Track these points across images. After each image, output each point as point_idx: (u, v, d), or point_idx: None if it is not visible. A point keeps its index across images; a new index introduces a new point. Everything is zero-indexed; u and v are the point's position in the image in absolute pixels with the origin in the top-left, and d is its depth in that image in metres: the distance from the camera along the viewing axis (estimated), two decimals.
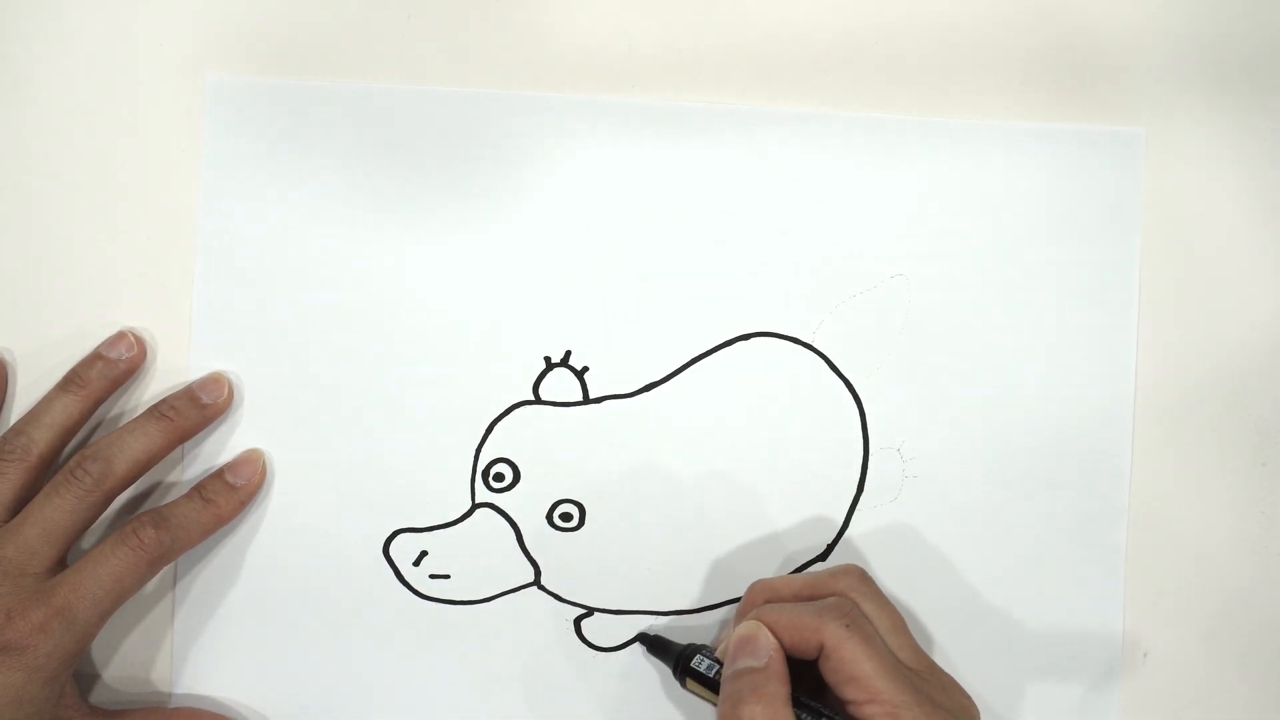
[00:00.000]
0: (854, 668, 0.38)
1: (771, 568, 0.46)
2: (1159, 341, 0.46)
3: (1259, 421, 0.47)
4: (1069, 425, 0.46)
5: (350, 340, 0.46)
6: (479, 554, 0.46)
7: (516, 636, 0.46)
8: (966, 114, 0.46)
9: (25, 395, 0.46)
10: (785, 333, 0.46)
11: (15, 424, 0.44)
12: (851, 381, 0.46)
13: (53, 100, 0.46)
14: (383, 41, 0.46)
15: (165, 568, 0.44)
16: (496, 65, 0.46)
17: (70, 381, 0.44)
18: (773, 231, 0.46)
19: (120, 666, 0.46)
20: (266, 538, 0.46)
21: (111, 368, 0.45)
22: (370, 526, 0.46)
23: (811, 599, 0.41)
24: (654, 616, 0.46)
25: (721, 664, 0.41)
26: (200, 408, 0.45)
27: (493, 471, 0.46)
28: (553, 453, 0.46)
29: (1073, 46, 0.47)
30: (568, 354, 0.46)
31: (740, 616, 0.43)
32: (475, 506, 0.46)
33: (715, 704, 0.41)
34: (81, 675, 0.46)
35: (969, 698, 0.40)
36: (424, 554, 0.46)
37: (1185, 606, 0.47)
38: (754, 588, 0.43)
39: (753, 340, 0.46)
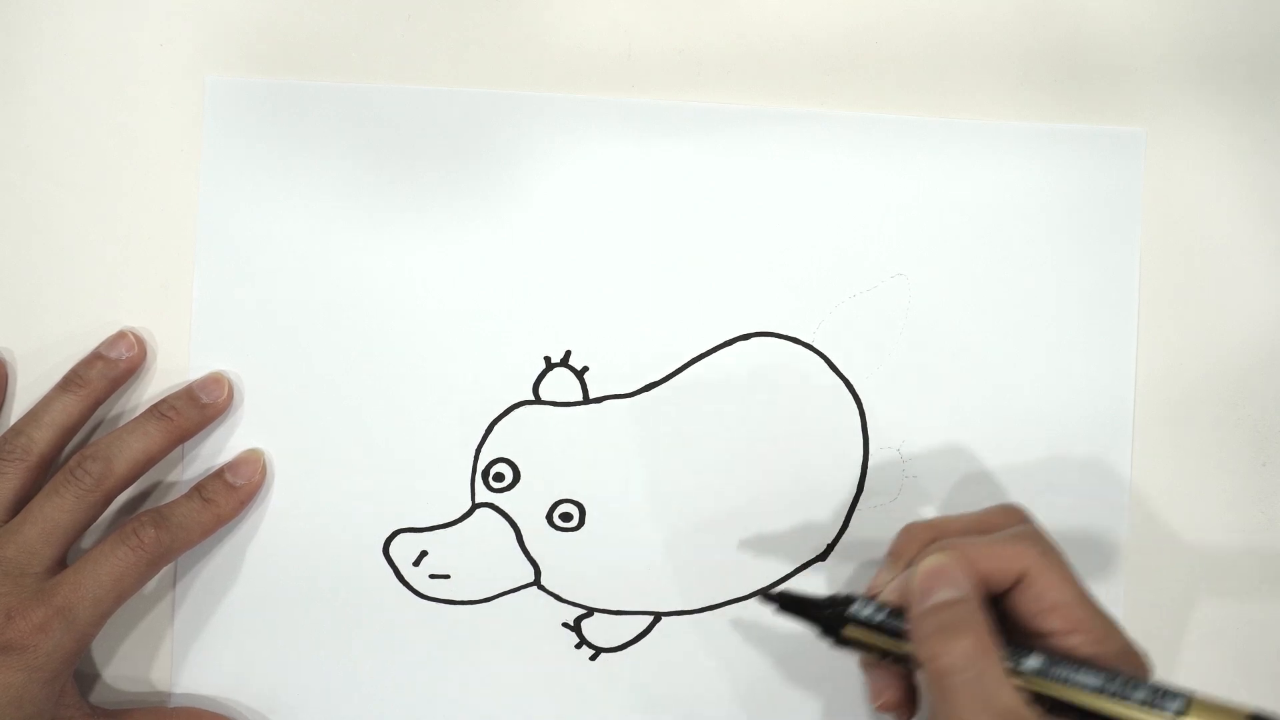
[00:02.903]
0: (1057, 595, 0.37)
1: (772, 568, 0.46)
2: (1159, 342, 0.46)
3: (1259, 421, 0.47)
4: (1069, 426, 0.46)
5: (350, 340, 0.46)
6: (479, 554, 0.46)
7: (516, 636, 0.46)
8: (966, 114, 0.46)
9: (25, 395, 0.46)
10: (785, 333, 0.46)
11: (15, 424, 0.44)
12: (851, 381, 0.46)
13: (53, 101, 0.46)
14: (383, 42, 0.46)
15: (165, 567, 0.44)
16: (496, 65, 0.46)
17: (70, 381, 0.45)
18: (773, 231, 0.46)
19: (120, 666, 0.46)
20: (266, 538, 0.46)
21: (111, 368, 0.45)
22: (370, 526, 0.46)
23: (979, 534, 0.39)
24: (653, 617, 0.46)
25: (889, 608, 0.39)
26: (200, 407, 0.45)
27: (493, 471, 0.46)
28: (553, 453, 0.46)
29: (1072, 46, 0.46)
30: (568, 354, 0.46)
31: (897, 558, 0.40)
32: (475, 506, 0.46)
33: (883, 653, 0.39)
34: (81, 675, 0.46)
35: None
36: (424, 554, 0.46)
37: (1185, 606, 0.47)
38: (911, 528, 0.41)
39: (753, 340, 0.46)
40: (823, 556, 0.46)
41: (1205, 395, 0.47)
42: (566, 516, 0.46)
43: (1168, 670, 0.46)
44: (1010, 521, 0.40)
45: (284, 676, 0.46)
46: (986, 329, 0.46)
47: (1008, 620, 0.38)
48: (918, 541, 0.40)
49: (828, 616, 0.40)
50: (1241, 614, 0.47)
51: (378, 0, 0.46)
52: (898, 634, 0.38)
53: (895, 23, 0.46)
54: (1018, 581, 0.38)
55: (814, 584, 0.46)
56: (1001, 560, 0.38)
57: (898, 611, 0.39)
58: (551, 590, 0.46)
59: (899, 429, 0.46)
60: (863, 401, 0.46)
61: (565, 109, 0.46)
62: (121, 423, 0.45)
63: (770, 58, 0.46)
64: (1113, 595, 0.46)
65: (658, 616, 0.46)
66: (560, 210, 0.46)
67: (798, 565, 0.46)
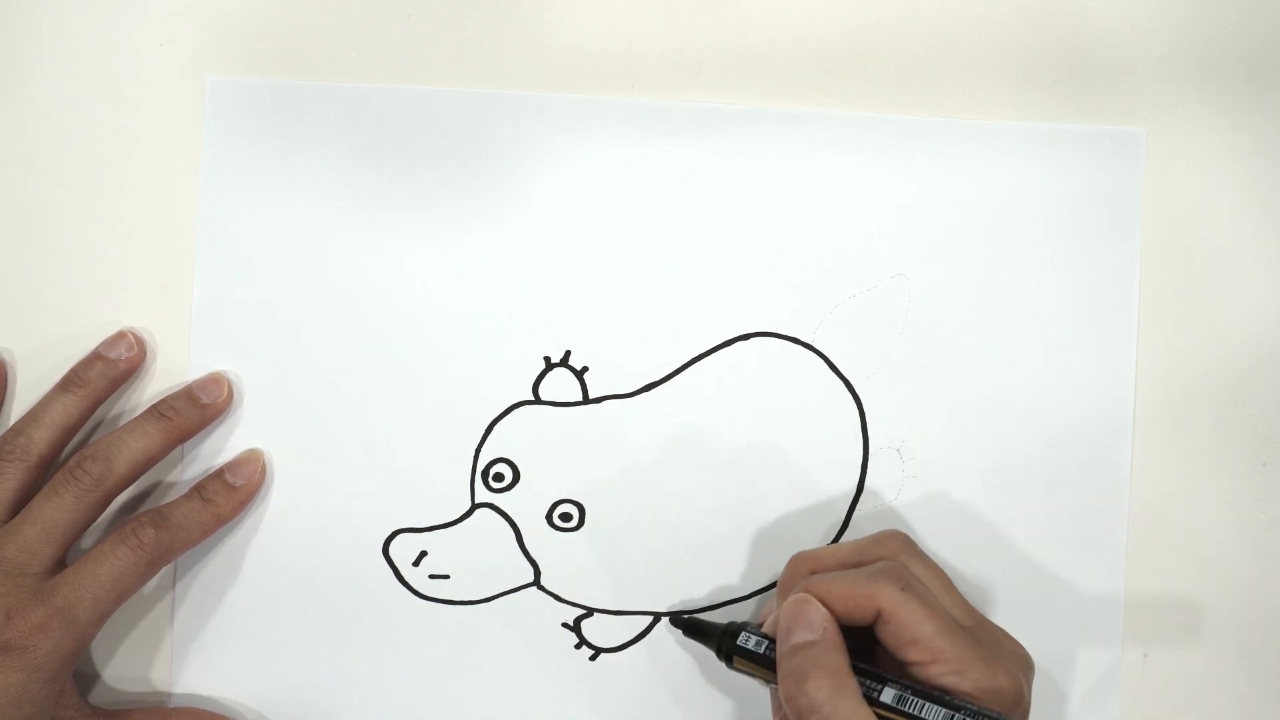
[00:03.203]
0: (914, 630, 0.38)
1: (772, 568, 0.46)
2: (1159, 341, 0.46)
3: (1259, 421, 0.47)
4: (1069, 425, 0.46)
5: (350, 340, 0.46)
6: (479, 554, 0.46)
7: (516, 636, 0.46)
8: (966, 114, 0.46)
9: (25, 395, 0.46)
10: (785, 333, 0.46)
11: (15, 424, 0.44)
12: (851, 381, 0.46)
13: (53, 101, 0.46)
14: (383, 42, 0.46)
15: (165, 567, 0.44)
16: (496, 65, 0.46)
17: (70, 381, 0.45)
18: (773, 231, 0.46)
19: (120, 666, 0.46)
20: (266, 538, 0.46)
21: (111, 368, 0.45)
22: (370, 526, 0.46)
23: (857, 566, 0.41)
24: (653, 617, 0.46)
25: (770, 639, 0.41)
26: (200, 408, 0.45)
27: (492, 471, 0.46)
28: (552, 453, 0.46)
29: (1072, 46, 0.46)
30: (567, 354, 0.46)
31: (784, 590, 0.42)
32: (475, 507, 0.46)
33: (768, 681, 0.41)
34: (81, 675, 0.46)
35: (1022, 646, 0.40)
36: (424, 554, 0.46)
37: (1185, 606, 0.47)
38: (796, 560, 0.43)
39: (753, 340, 0.46)
40: None
41: (1205, 395, 0.47)
42: (566, 516, 0.46)
43: (1169, 670, 0.46)
44: (886, 552, 0.41)
45: (284, 676, 0.46)
46: (986, 329, 0.46)
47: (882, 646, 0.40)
48: (798, 574, 0.42)
49: (720, 644, 0.42)
50: (1241, 614, 0.47)
51: (378, 0, 0.46)
52: (773, 667, 0.40)
53: (895, 23, 0.46)
54: (878, 616, 0.39)
55: None
56: (857, 600, 0.39)
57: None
58: (551, 590, 0.46)
59: (899, 429, 0.46)
60: (863, 401, 0.46)
61: (565, 109, 0.46)
62: (121, 423, 0.45)
63: (770, 58, 0.46)
64: (1112, 595, 0.46)
65: (658, 616, 0.46)
66: (560, 210, 0.46)
67: None
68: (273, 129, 0.46)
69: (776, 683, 0.39)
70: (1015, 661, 0.39)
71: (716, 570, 0.46)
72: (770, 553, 0.46)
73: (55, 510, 0.42)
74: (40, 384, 0.45)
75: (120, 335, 0.45)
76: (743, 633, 0.41)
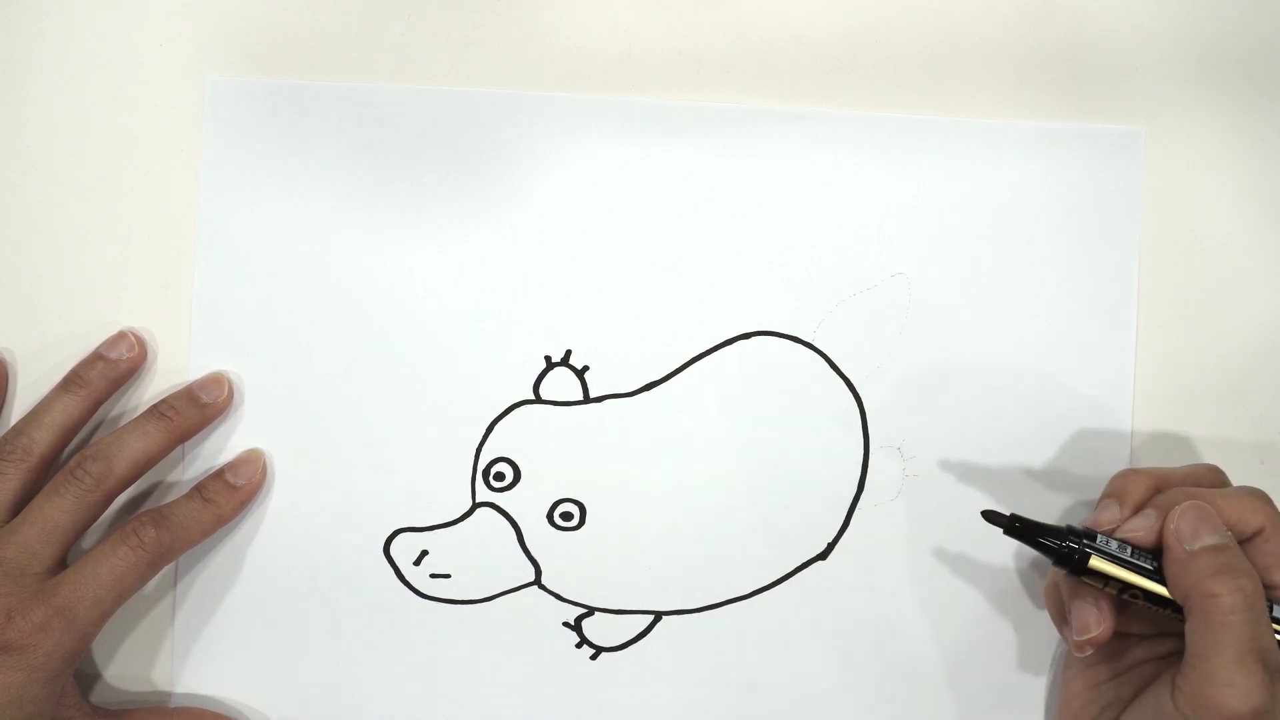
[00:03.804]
0: None
1: (772, 567, 0.46)
2: (1159, 341, 0.47)
3: (1258, 421, 0.47)
4: (1069, 425, 0.46)
5: (351, 340, 0.46)
6: (479, 553, 0.46)
7: (517, 636, 0.46)
8: (966, 114, 0.46)
9: (25, 395, 0.46)
10: (785, 332, 0.46)
11: (16, 424, 0.44)
12: (852, 380, 0.46)
13: (53, 101, 0.46)
14: (383, 41, 0.46)
15: (166, 567, 0.44)
16: (496, 65, 0.46)
17: (71, 382, 0.45)
18: (773, 231, 0.46)
19: (121, 666, 0.46)
20: (266, 538, 0.46)
21: (112, 368, 0.45)
22: (370, 526, 0.46)
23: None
24: (653, 617, 0.46)
25: (1126, 547, 0.40)
26: (200, 407, 0.45)
27: (493, 471, 0.46)
28: (553, 452, 0.46)
29: (1072, 46, 0.47)
30: (568, 353, 0.46)
31: (1124, 500, 0.42)
32: (476, 506, 0.46)
33: (1125, 587, 0.40)
34: (82, 675, 0.46)
35: None
36: (424, 553, 0.46)
37: None
38: (1131, 474, 0.42)
39: (753, 339, 0.46)
40: (823, 556, 0.46)
41: (1204, 395, 0.47)
42: (567, 516, 0.46)
43: None
44: (1219, 479, 0.42)
45: (284, 676, 0.46)
46: (986, 329, 0.46)
47: None
48: (1143, 487, 0.42)
49: (1067, 546, 0.40)
50: None
51: (378, 0, 0.46)
52: (1140, 571, 0.40)
53: (895, 23, 0.46)
54: (1253, 535, 0.39)
55: (815, 582, 0.46)
56: (1244, 513, 0.40)
57: (1137, 550, 0.40)
58: (552, 590, 0.46)
59: (899, 428, 0.46)
60: (863, 401, 0.46)
61: (565, 109, 0.46)
62: (122, 423, 0.45)
63: (770, 58, 0.46)
64: None
65: (658, 616, 0.46)
66: (560, 210, 0.46)
67: (798, 564, 0.46)
68: (273, 129, 0.46)
69: (1136, 589, 0.39)
70: None
71: (717, 570, 0.46)
72: (770, 552, 0.46)
73: (56, 510, 0.42)
74: (40, 384, 0.46)
75: (121, 335, 0.45)
76: (1099, 537, 0.40)
